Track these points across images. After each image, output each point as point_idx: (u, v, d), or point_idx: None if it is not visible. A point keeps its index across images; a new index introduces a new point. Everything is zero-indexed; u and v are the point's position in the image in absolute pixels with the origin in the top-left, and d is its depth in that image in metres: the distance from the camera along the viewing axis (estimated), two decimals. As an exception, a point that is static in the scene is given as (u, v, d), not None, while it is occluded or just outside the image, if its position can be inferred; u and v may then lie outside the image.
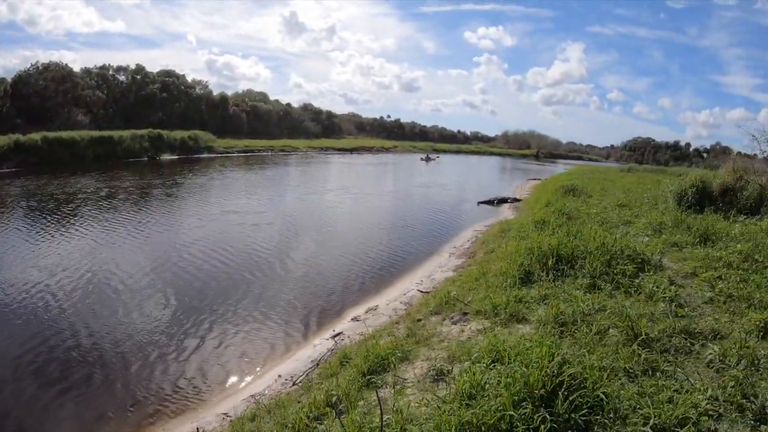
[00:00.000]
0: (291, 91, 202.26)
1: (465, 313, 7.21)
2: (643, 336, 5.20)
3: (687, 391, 4.22)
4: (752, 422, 3.93)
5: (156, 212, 19.93)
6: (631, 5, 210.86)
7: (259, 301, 10.71)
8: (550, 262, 8.15)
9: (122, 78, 67.24)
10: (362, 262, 13.89)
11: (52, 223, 16.81)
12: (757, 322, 5.60)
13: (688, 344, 5.23)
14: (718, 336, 5.43)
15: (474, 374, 4.43)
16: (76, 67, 62.30)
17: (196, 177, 32.71)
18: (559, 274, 7.91)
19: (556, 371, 3.97)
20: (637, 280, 7.33)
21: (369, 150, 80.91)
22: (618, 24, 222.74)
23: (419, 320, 7.64)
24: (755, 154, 16.58)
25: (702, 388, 4.29)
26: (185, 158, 46.30)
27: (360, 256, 14.47)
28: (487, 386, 4.22)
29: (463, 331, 6.55)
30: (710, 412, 3.98)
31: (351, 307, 10.67)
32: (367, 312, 10.06)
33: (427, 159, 69.52)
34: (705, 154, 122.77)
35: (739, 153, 19.24)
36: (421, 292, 10.63)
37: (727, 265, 8.07)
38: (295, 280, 12.21)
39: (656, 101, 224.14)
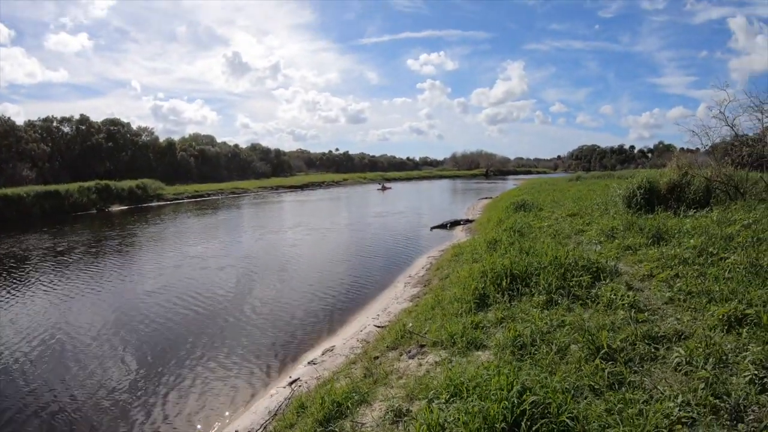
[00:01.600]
0: (238, 132, 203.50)
1: (422, 346, 7.10)
2: (605, 348, 5.17)
3: (657, 401, 4.19)
4: (728, 422, 3.93)
5: (112, 265, 19.65)
6: (564, 20, 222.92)
7: (219, 350, 10.52)
8: (504, 283, 8.15)
9: (67, 129, 67.11)
10: (319, 301, 13.73)
11: (7, 284, 16.42)
12: (720, 316, 5.69)
13: (653, 350, 5.25)
14: (683, 336, 5.48)
15: (432, 413, 4.30)
16: (20, 120, 63.31)
17: (148, 226, 32.09)
18: (515, 293, 7.91)
19: (516, 401, 3.86)
20: (593, 290, 7.39)
21: (320, 185, 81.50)
22: (554, 39, 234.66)
23: (376, 358, 7.48)
24: (698, 149, 17.23)
25: (672, 395, 4.28)
26: (135, 208, 45.83)
27: (317, 295, 14.31)
28: (446, 425, 4.07)
29: (420, 365, 6.43)
30: (683, 420, 3.94)
31: (308, 350, 10.45)
32: (323, 354, 9.81)
33: (383, 188, 71.89)
34: (649, 154, 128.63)
35: (681, 149, 20.01)
36: (378, 327, 10.46)
37: (683, 262, 8.29)
38: (254, 325, 11.99)
39: (598, 109, 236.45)
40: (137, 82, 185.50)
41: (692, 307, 6.36)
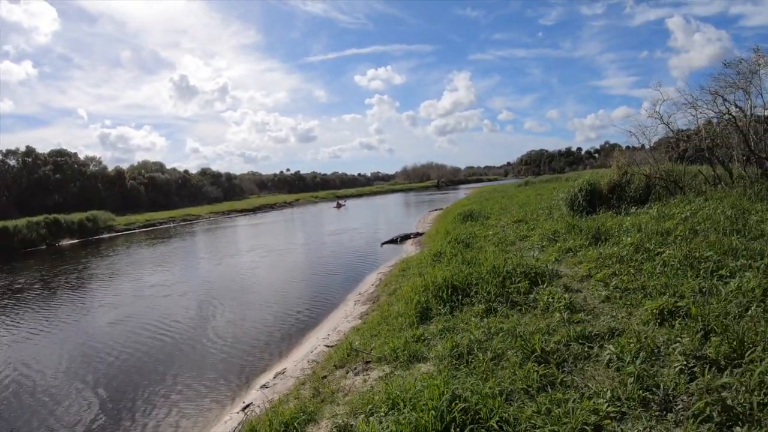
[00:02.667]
0: (188, 156, 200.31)
1: (367, 362, 7.21)
2: (539, 352, 5.35)
3: (587, 398, 4.34)
4: (657, 413, 4.13)
5: (73, 299, 19.22)
6: (507, 29, 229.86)
7: (175, 380, 10.50)
8: (445, 295, 8.37)
9: (12, 162, 64.93)
10: (272, 324, 13.76)
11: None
12: (653, 310, 5.95)
13: (586, 349, 5.47)
14: (616, 333, 5.74)
15: (369, 427, 4.42)
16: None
17: (103, 259, 31.11)
18: (456, 304, 8.10)
19: (446, 409, 3.97)
20: (531, 295, 7.63)
21: (272, 207, 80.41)
22: (497, 48, 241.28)
23: (324, 377, 7.55)
24: (643, 146, 17.89)
25: (601, 391, 4.44)
26: (86, 241, 44.53)
27: (270, 318, 14.34)
28: (382, 437, 4.17)
29: (365, 381, 6.55)
30: (612, 414, 4.11)
31: (261, 373, 10.49)
32: (275, 377, 9.82)
33: (338, 205, 72.82)
34: (596, 155, 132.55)
35: (627, 148, 20.71)
36: (328, 346, 10.50)
37: (620, 260, 8.66)
38: (209, 352, 11.98)
39: (544, 114, 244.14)
40: (83, 110, 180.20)
41: (628, 303, 6.69)
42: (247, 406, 8.67)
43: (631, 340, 5.29)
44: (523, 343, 5.60)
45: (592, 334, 5.79)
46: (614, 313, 6.42)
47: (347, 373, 7.25)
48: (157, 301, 17.53)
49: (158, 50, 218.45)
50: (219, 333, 13.27)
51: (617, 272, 8.04)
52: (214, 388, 9.97)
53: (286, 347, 11.95)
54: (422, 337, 7.14)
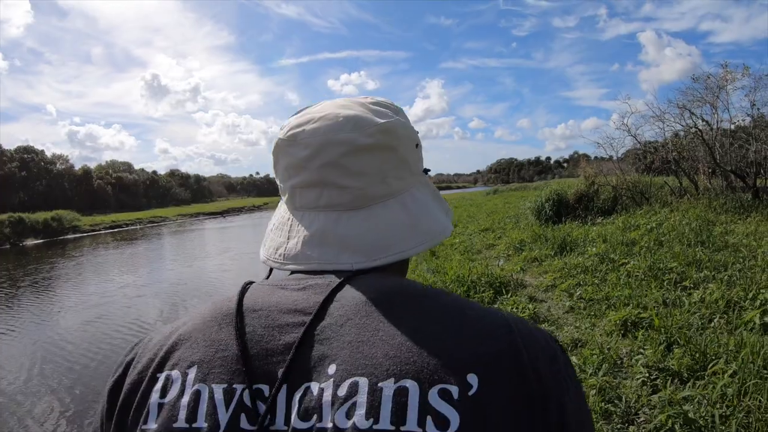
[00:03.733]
0: (158, 157, 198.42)
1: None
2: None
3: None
4: (619, 426, 4.08)
5: (35, 302, 18.26)
6: (479, 38, 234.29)
7: None
8: (408, 305, 8.21)
9: None
10: None
11: None
12: (616, 321, 5.94)
13: (549, 360, 5.37)
14: (579, 344, 5.68)
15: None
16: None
17: (68, 260, 30.05)
18: (420, 314, 7.98)
19: None
20: (496, 305, 7.54)
21: (240, 210, 78.99)
22: (469, 57, 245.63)
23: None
24: (611, 157, 18.19)
25: (563, 404, 4.37)
26: (51, 241, 43.33)
27: None
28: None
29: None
30: (573, 428, 4.04)
31: None
32: None
33: None
34: (565, 164, 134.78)
35: (595, 158, 21.03)
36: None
37: (585, 271, 8.64)
38: None
39: (515, 123, 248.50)
40: (52, 107, 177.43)
41: (591, 314, 6.68)
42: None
43: (594, 351, 5.27)
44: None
45: (556, 344, 5.76)
46: (578, 324, 6.41)
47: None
48: (126, 302, 16.92)
49: (130, 48, 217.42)
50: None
51: (582, 282, 8.05)
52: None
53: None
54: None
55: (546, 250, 10.92)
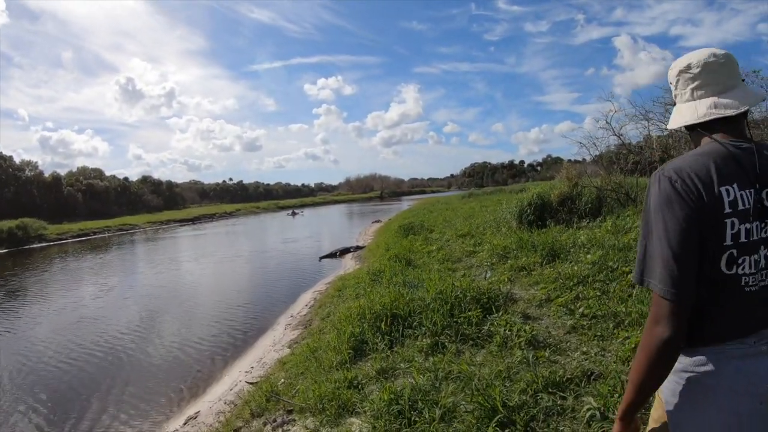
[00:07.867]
0: (131, 163, 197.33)
1: (289, 411, 5.89)
2: (500, 408, 4.17)
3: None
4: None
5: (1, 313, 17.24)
6: (451, 43, 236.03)
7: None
8: (384, 326, 7.07)
9: None
10: (191, 351, 11.88)
11: None
12: (633, 346, 4.97)
13: (559, 401, 4.33)
14: (593, 377, 4.65)
15: None
16: None
17: (35, 270, 28.91)
18: (398, 335, 6.86)
19: None
20: (486, 327, 6.42)
21: (211, 217, 77.64)
22: (441, 62, 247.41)
23: (238, 429, 6.14)
24: (584, 159, 17.58)
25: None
26: (16, 251, 42.02)
27: (189, 344, 12.40)
28: None
29: (286, 438, 5.24)
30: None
31: (171, 418, 8.75)
32: (185, 424, 8.26)
33: (293, 213, 73.46)
34: (539, 168, 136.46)
35: (569, 161, 20.44)
36: (249, 383, 9.05)
37: (582, 281, 7.69)
38: (114, 392, 10.00)
39: (489, 127, 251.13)
40: (24, 111, 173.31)
41: (598, 334, 5.70)
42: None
43: (612, 387, 4.25)
44: (480, 397, 4.41)
45: (564, 379, 4.68)
46: (585, 348, 5.39)
47: (264, 425, 5.93)
48: (83, 323, 15.39)
49: (101, 52, 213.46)
50: (136, 367, 11.35)
51: (581, 295, 7.09)
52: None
53: (203, 383, 10.32)
54: (355, 381, 5.82)
55: (534, 257, 9.92)
